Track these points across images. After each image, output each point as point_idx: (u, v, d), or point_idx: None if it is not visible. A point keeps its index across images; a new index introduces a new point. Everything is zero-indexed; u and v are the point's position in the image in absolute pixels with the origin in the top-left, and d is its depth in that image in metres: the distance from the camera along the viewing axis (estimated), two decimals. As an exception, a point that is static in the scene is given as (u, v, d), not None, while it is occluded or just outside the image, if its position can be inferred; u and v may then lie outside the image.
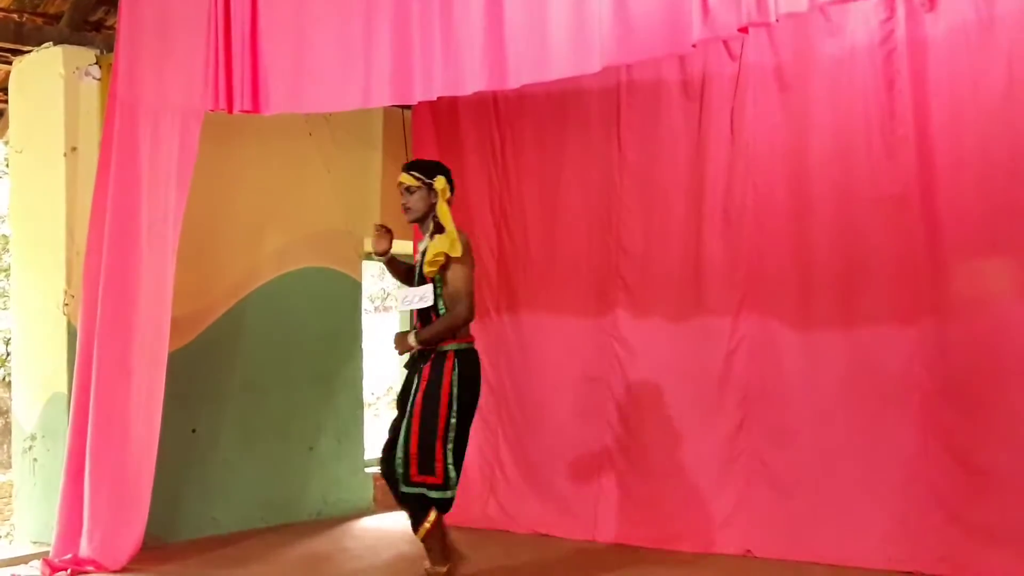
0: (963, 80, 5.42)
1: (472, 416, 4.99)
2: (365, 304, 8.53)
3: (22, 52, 6.25)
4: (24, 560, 5.71)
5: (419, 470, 4.84)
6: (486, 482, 6.92)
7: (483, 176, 7.08)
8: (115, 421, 5.60)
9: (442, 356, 4.93)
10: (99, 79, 6.12)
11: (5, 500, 10.35)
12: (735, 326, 6.02)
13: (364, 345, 7.56)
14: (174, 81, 5.60)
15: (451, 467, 4.87)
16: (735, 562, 5.78)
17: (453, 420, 4.87)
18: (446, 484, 4.88)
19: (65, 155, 6.03)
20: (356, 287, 7.51)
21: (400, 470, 4.88)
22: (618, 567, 5.73)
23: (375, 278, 13.56)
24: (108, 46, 6.03)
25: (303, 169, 7.17)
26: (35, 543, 6.03)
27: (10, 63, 6.36)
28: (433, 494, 4.89)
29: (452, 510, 7.05)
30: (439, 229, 4.97)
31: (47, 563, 5.53)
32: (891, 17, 5.60)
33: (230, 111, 5.38)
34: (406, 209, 5.06)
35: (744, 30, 4.24)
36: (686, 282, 6.22)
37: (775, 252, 5.95)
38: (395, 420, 5.07)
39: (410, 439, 4.85)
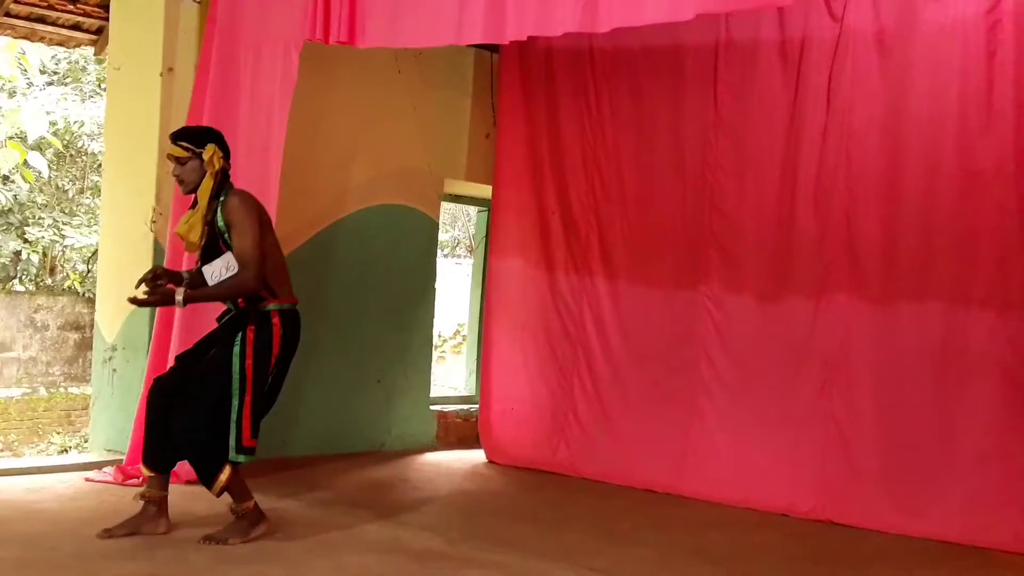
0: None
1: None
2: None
3: (126, -30, 6.33)
4: (98, 466, 5.85)
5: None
6: (558, 428, 6.95)
7: (575, 126, 7.03)
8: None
9: (265, 317, 4.71)
10: (199, 2, 6.16)
11: (78, 412, 10.64)
12: (820, 294, 5.97)
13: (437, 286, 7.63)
14: (275, 9, 5.64)
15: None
16: (809, 526, 5.77)
17: (269, 380, 4.72)
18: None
19: (161, 75, 6.12)
20: (434, 227, 7.57)
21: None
22: (696, 521, 5.78)
23: (444, 225, 13.61)
24: (211, -30, 6.09)
25: (390, 106, 7.20)
26: (109, 451, 6.20)
27: (114, -20, 6.45)
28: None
29: (522, 452, 7.03)
30: (194, 204, 4.68)
31: (120, 470, 5.68)
32: (999, -13, 5.49)
33: (326, 42, 5.41)
34: (180, 182, 4.73)
35: None
36: (777, 246, 6.18)
37: (864, 221, 5.88)
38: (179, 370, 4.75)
39: (243, 405, 4.63)
